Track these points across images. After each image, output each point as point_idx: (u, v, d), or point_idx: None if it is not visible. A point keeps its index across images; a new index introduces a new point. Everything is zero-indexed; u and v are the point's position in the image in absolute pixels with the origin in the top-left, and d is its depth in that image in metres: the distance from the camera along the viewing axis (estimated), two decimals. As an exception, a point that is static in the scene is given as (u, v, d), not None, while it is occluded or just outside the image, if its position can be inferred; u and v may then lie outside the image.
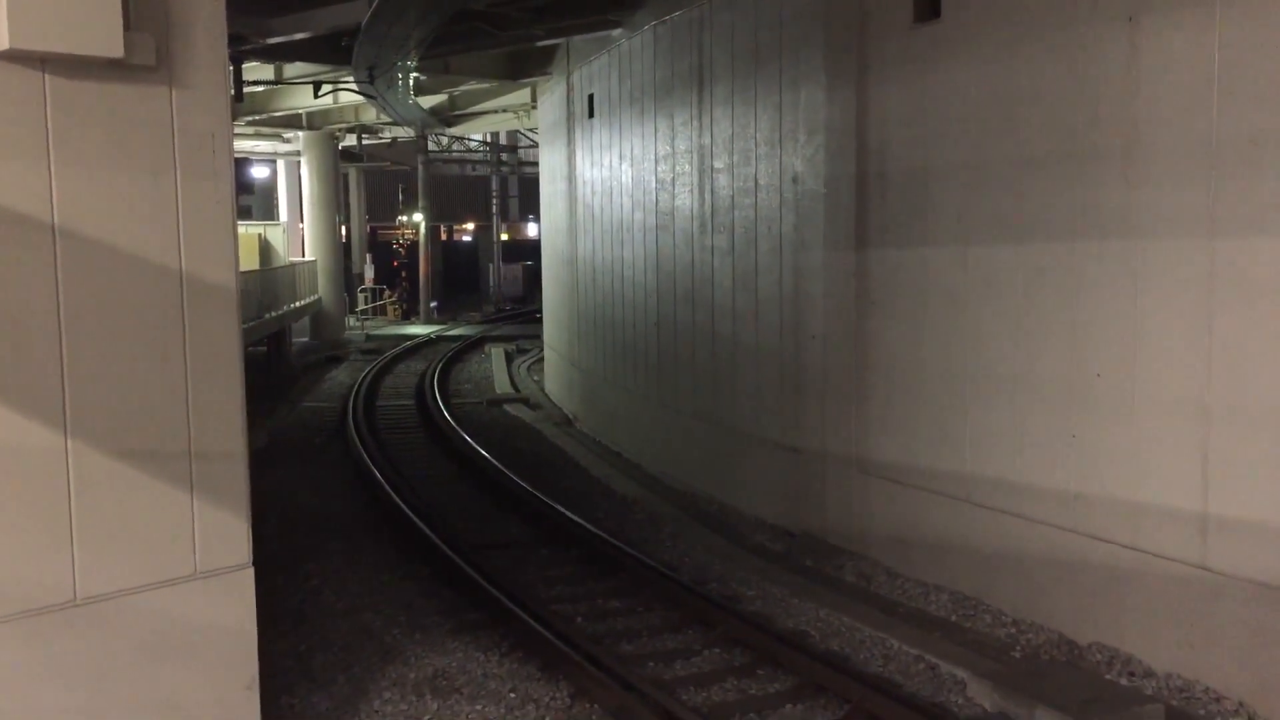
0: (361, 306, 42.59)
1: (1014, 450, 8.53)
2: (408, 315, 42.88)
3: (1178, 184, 7.15)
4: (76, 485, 5.54)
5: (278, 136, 35.34)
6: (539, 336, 26.91)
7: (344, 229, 39.86)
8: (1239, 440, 6.90)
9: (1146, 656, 7.50)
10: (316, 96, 25.31)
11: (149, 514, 5.79)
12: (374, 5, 13.50)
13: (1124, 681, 7.35)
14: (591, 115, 17.69)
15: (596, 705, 7.23)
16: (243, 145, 35.69)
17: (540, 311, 30.96)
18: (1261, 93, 6.65)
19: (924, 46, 9.22)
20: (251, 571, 6.20)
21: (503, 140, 50.80)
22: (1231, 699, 6.94)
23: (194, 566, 5.96)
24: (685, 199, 13.70)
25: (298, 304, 27.97)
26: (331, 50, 18.67)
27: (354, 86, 22.07)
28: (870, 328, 10.07)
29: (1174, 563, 7.30)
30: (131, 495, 5.71)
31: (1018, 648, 8.08)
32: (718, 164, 12.75)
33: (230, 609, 6.11)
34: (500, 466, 14.50)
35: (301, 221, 36.19)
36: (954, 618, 8.75)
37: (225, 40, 5.92)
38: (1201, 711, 6.94)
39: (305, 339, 32.28)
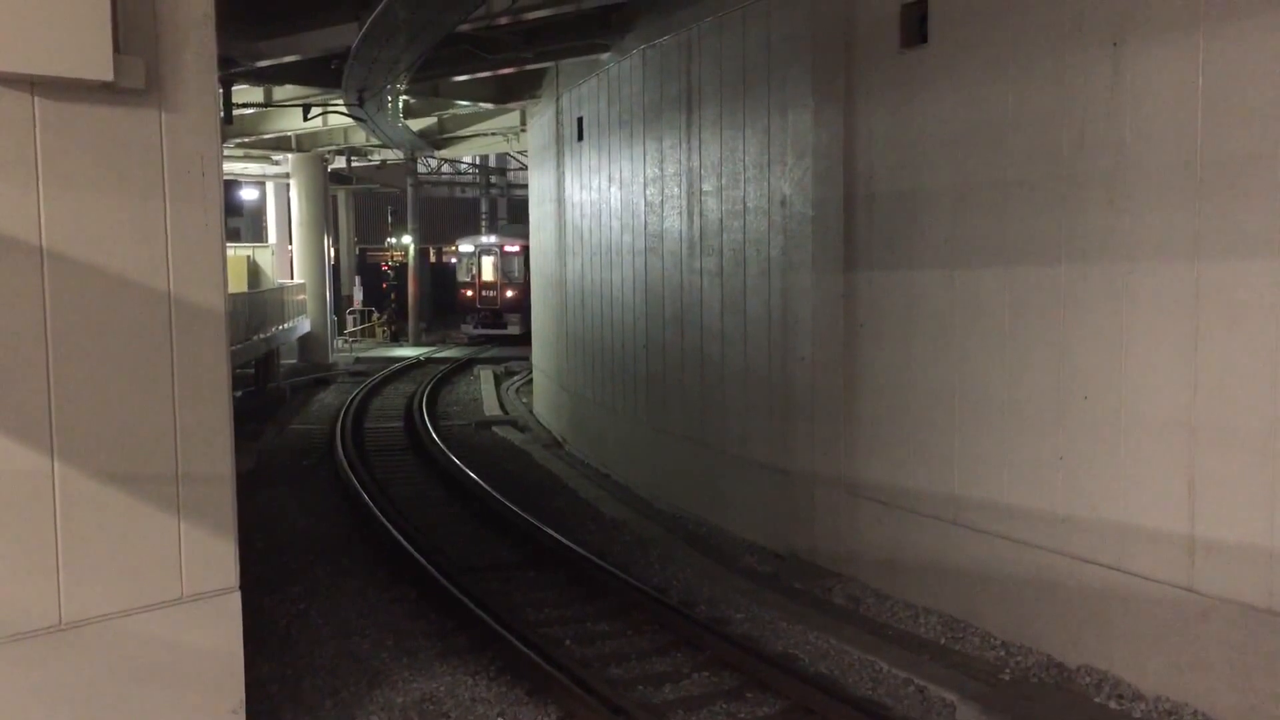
0: (350, 328, 42.52)
1: (1001, 472, 8.55)
2: (396, 337, 42.84)
3: (1162, 207, 7.20)
4: (62, 508, 5.52)
5: (267, 159, 35.34)
6: (528, 359, 26.90)
7: (333, 251, 39.84)
8: (1225, 462, 6.93)
9: (1135, 679, 7.50)
10: (306, 119, 25.34)
11: (135, 537, 5.77)
12: (364, 29, 13.54)
13: (1113, 704, 7.35)
14: (580, 138, 17.76)
15: (585, 729, 7.21)
16: (232, 167, 35.67)
17: (530, 333, 30.59)
18: (1244, 116, 6.72)
19: (911, 71, 9.29)
20: (238, 595, 6.17)
21: (492, 162, 50.87)
22: (1220, 721, 6.95)
23: (180, 590, 5.93)
24: (674, 221, 13.75)
25: (286, 326, 27.92)
26: (321, 73, 18.69)
27: (343, 109, 22.07)
28: (858, 350, 10.10)
29: (1162, 585, 7.31)
30: (118, 519, 5.70)
31: (1007, 670, 8.07)
32: (706, 187, 12.80)
33: (217, 633, 6.08)
34: (488, 489, 14.46)
35: (290, 243, 36.16)
36: (943, 640, 8.74)
37: (215, 63, 5.94)
38: (1190, 734, 6.95)
39: (293, 361, 32.20)
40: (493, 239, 41.86)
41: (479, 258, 41.25)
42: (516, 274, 40.44)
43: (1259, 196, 6.64)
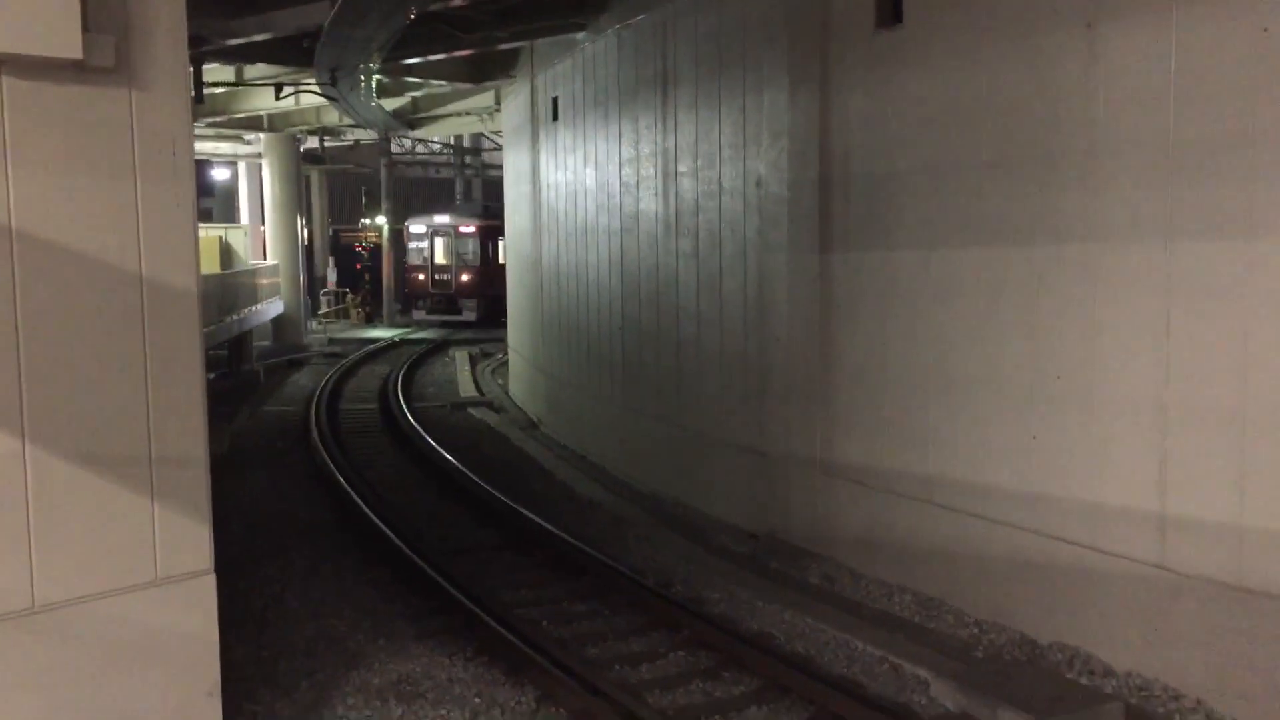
0: (324, 310, 42.28)
1: (976, 451, 8.60)
2: (371, 318, 42.62)
3: (1136, 188, 7.24)
4: (35, 491, 5.48)
5: (239, 138, 35.06)
6: (503, 340, 26.85)
7: (306, 232, 39.50)
8: (1196, 441, 7.00)
9: (1106, 655, 7.59)
10: (278, 98, 25.11)
11: (109, 520, 5.73)
12: (336, 7, 13.43)
13: (1084, 680, 7.43)
14: (556, 118, 17.68)
15: (562, 709, 7.22)
16: (203, 147, 35.37)
17: (505, 315, 29.77)
18: (1217, 98, 6.75)
19: (886, 51, 9.29)
20: (213, 577, 6.15)
21: (466, 142, 50.61)
22: (1190, 697, 7.03)
23: (154, 573, 5.90)
24: (649, 202, 13.72)
25: (258, 307, 27.75)
26: (293, 52, 18.54)
27: (316, 88, 21.93)
28: (834, 330, 10.13)
29: (1133, 562, 7.39)
30: (91, 501, 5.66)
31: (980, 648, 8.15)
32: (682, 167, 12.78)
33: (191, 615, 6.05)
34: (464, 470, 14.45)
35: (263, 224, 35.90)
36: (917, 618, 8.81)
37: (186, 42, 5.88)
38: (1160, 709, 7.03)
39: (266, 342, 32.03)
40: (446, 219, 39.39)
41: (431, 239, 38.81)
42: (472, 256, 38.30)
43: (1230, 178, 6.69)
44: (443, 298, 38.56)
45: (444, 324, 37.78)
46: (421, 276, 39.13)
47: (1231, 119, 6.67)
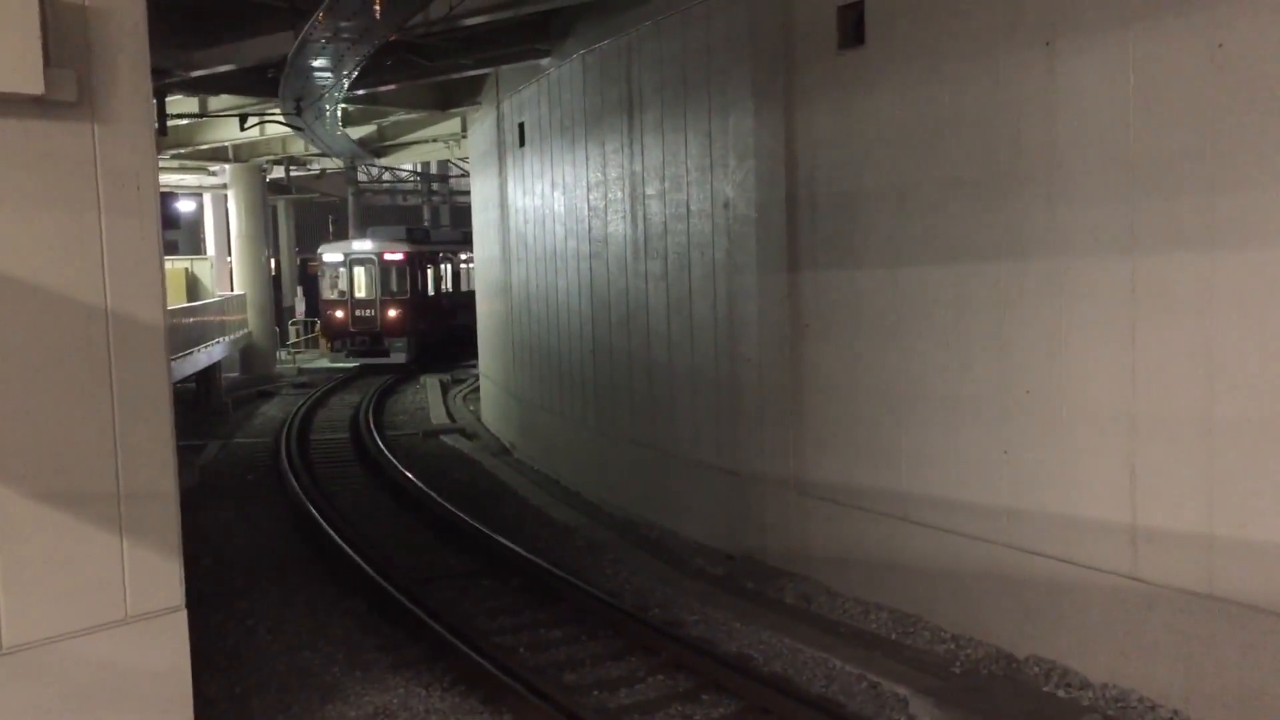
0: (293, 340, 42.04)
1: (949, 468, 8.64)
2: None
3: (1098, 203, 7.32)
4: (1, 530, 5.40)
5: (203, 170, 34.87)
6: (474, 366, 26.76)
7: (273, 261, 39.20)
8: (1164, 452, 7.05)
9: (1083, 668, 7.62)
10: (243, 129, 25.00)
11: (77, 558, 5.66)
12: (300, 37, 13.41)
13: (1061, 693, 7.45)
14: (522, 144, 17.71)
15: (541, 737, 7.18)
16: (167, 179, 35.12)
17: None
18: (1174, 112, 6.84)
19: (850, 72, 9.37)
20: (184, 614, 6.08)
21: (434, 169, 50.57)
22: (1166, 707, 7.06)
23: (125, 610, 5.83)
24: (618, 225, 13.75)
25: (226, 339, 27.57)
26: (258, 82, 18.49)
27: (281, 118, 21.86)
28: (804, 350, 10.16)
29: (1106, 574, 7.43)
30: (59, 539, 5.59)
31: (957, 663, 8.16)
32: (649, 190, 12.81)
33: (163, 653, 5.98)
34: (437, 498, 14.37)
35: (230, 255, 35.67)
36: (894, 636, 8.81)
37: (149, 75, 5.85)
38: (1137, 720, 7.07)
39: (235, 374, 31.78)
40: (367, 245, 33.99)
41: (350, 269, 33.41)
42: (398, 288, 33.24)
43: (1189, 191, 6.77)
44: (365, 337, 33.32)
45: (368, 369, 32.83)
46: (339, 314, 33.63)
47: (1189, 133, 6.76)
